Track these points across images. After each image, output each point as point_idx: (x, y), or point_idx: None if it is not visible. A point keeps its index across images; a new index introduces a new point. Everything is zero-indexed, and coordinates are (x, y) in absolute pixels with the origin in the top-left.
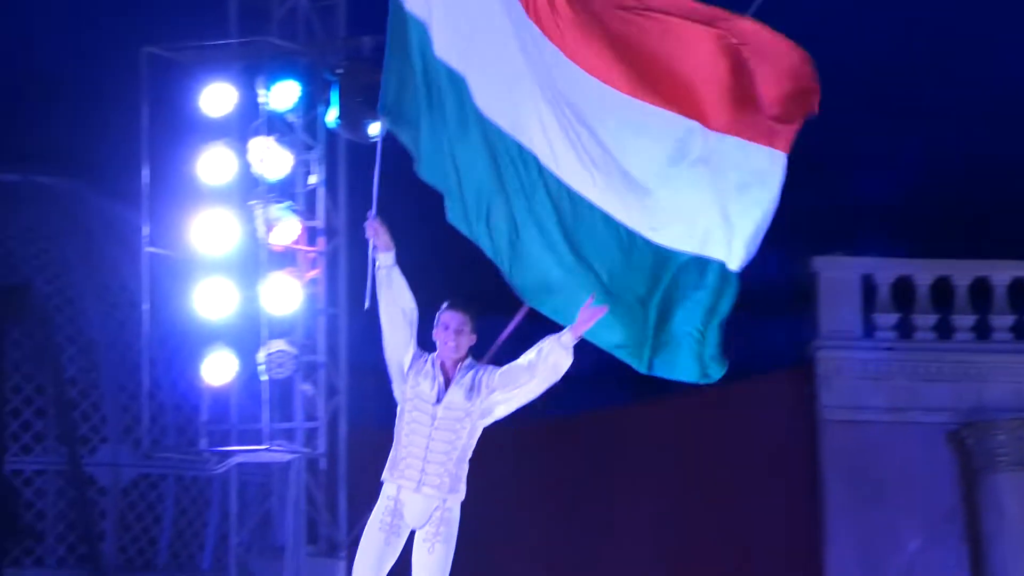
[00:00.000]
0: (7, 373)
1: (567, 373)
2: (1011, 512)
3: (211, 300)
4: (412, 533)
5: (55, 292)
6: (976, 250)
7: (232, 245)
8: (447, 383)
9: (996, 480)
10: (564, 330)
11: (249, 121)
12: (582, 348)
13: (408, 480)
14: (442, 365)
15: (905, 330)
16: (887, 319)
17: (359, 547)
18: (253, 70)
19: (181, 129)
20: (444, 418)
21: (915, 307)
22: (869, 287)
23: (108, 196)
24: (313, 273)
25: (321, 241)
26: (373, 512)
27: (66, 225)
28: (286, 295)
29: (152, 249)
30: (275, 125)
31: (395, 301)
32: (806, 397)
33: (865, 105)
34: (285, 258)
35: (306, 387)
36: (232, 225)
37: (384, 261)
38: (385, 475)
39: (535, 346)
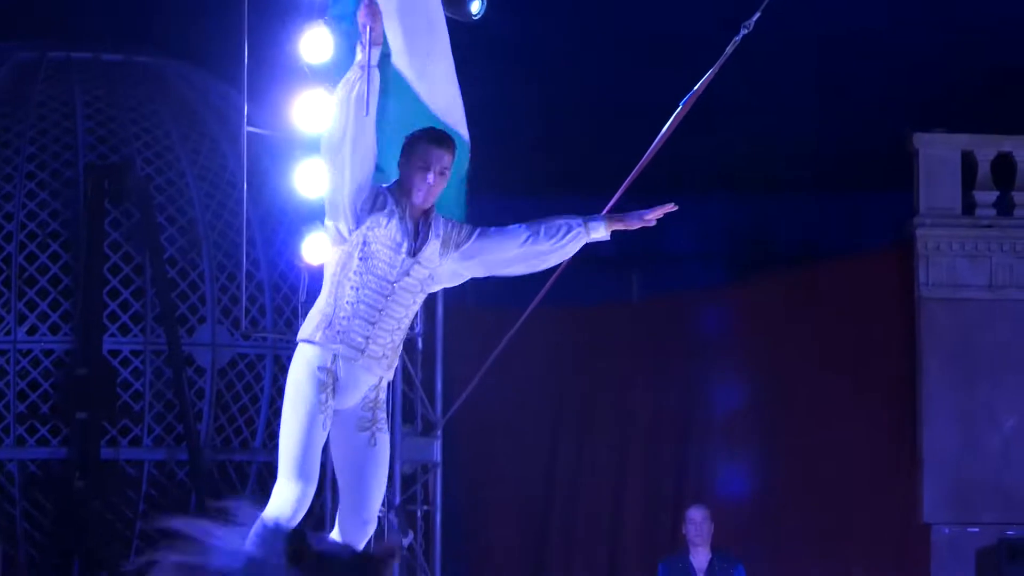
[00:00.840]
0: (106, 253)
1: (663, 251)
2: None
3: (311, 180)
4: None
5: (155, 172)
6: None
7: None
8: (417, 233)
9: None
10: (598, 222)
11: None
12: (679, 231)
13: (350, 347)
14: (410, 210)
15: (1005, 207)
16: (987, 196)
17: (289, 434)
18: None
19: (282, 8)
20: (413, 276)
21: (1015, 184)
22: (969, 164)
23: (210, 76)
24: None
25: None
26: (299, 386)
27: (167, 105)
28: None
29: (252, 128)
30: None
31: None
32: (904, 275)
33: None
34: None
35: None
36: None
37: (374, 59)
38: (316, 336)
39: (542, 228)
